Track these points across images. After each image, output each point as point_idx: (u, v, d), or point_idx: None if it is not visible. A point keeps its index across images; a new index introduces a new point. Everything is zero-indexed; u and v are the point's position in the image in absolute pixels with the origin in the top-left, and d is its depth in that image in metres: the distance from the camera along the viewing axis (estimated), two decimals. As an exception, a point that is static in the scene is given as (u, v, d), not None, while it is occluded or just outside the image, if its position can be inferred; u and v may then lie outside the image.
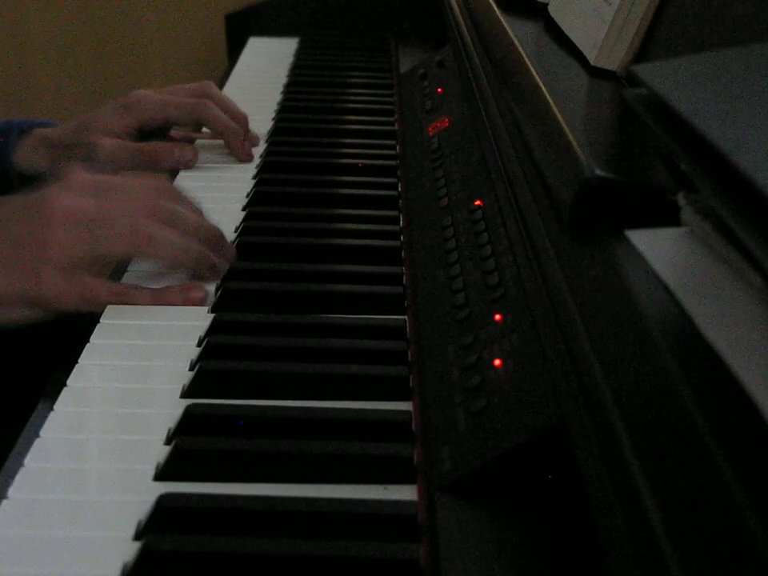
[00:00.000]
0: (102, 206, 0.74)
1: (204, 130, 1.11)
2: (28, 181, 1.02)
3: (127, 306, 0.74)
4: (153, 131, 1.05)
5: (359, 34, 1.57)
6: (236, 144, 1.06)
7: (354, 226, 0.89)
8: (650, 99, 0.45)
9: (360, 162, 1.04)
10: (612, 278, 0.48)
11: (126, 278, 0.79)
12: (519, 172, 0.67)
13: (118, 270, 0.81)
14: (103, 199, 0.75)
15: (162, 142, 1.04)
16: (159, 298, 0.75)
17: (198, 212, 0.81)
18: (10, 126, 1.01)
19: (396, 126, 1.15)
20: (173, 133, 1.09)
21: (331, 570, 0.51)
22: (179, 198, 0.80)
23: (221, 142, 1.07)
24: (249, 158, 1.06)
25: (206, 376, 0.65)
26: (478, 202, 0.78)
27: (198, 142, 1.10)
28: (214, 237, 0.80)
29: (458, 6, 1.16)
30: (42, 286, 0.71)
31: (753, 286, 0.41)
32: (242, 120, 1.07)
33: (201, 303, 0.76)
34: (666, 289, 0.43)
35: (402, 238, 0.86)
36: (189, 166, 1.03)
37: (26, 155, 1.00)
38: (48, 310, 0.73)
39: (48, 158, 1.00)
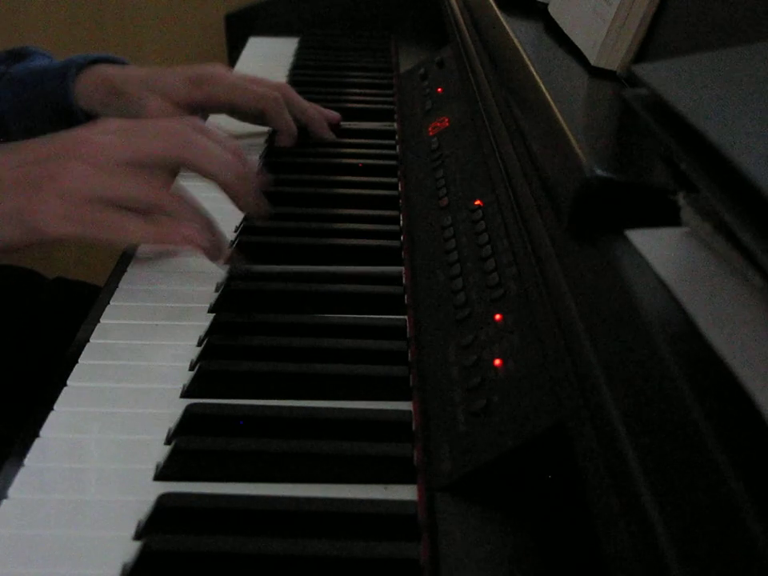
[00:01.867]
0: (127, 142, 0.71)
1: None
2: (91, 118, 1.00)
3: (128, 309, 0.74)
4: (214, 110, 1.04)
5: (359, 34, 1.57)
6: (284, 142, 1.05)
7: (354, 226, 0.89)
8: (650, 99, 0.45)
9: (360, 161, 1.04)
10: (612, 277, 0.48)
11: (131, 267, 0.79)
12: (519, 172, 0.67)
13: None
14: (131, 137, 0.72)
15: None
16: (156, 235, 0.70)
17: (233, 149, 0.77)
18: (69, 64, 0.99)
19: (396, 126, 1.15)
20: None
21: (331, 569, 0.51)
22: (213, 134, 0.76)
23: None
24: (332, 138, 1.07)
25: (206, 376, 0.65)
26: (477, 202, 0.78)
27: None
28: (245, 169, 0.77)
29: (458, 6, 1.16)
30: (39, 206, 0.67)
31: (753, 286, 0.41)
32: (320, 118, 1.08)
33: (194, 241, 0.71)
34: (666, 289, 0.43)
35: (401, 237, 0.86)
36: None
37: (85, 94, 0.98)
38: (39, 236, 0.68)
39: (106, 101, 0.98)
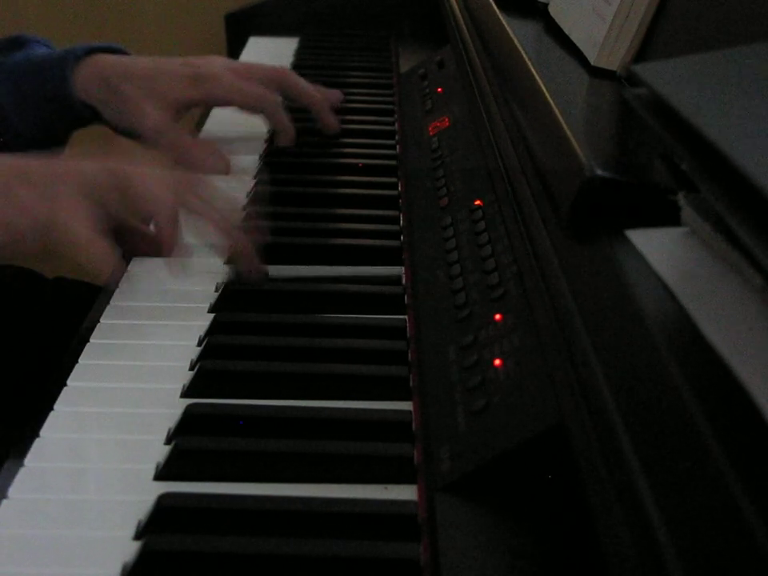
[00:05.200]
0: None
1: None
2: (92, 109, 1.01)
3: (128, 309, 0.74)
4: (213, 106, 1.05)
5: (359, 34, 1.57)
6: (324, 118, 1.06)
7: (354, 226, 0.89)
8: (650, 99, 0.45)
9: (360, 161, 1.04)
10: (612, 277, 0.48)
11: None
12: (519, 172, 0.67)
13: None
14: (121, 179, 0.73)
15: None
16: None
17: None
18: (67, 54, 0.99)
19: (396, 126, 1.15)
20: None
21: (331, 569, 0.51)
22: (206, 189, 0.77)
23: (221, 140, 1.08)
24: (336, 125, 1.07)
25: (206, 376, 0.65)
26: (478, 202, 0.78)
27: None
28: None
29: (458, 6, 1.16)
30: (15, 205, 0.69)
31: (753, 286, 0.41)
32: (323, 100, 1.08)
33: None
34: (666, 288, 0.43)
35: (401, 237, 0.86)
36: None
37: (84, 84, 0.98)
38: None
39: (102, 96, 0.99)
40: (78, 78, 0.98)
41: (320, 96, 1.07)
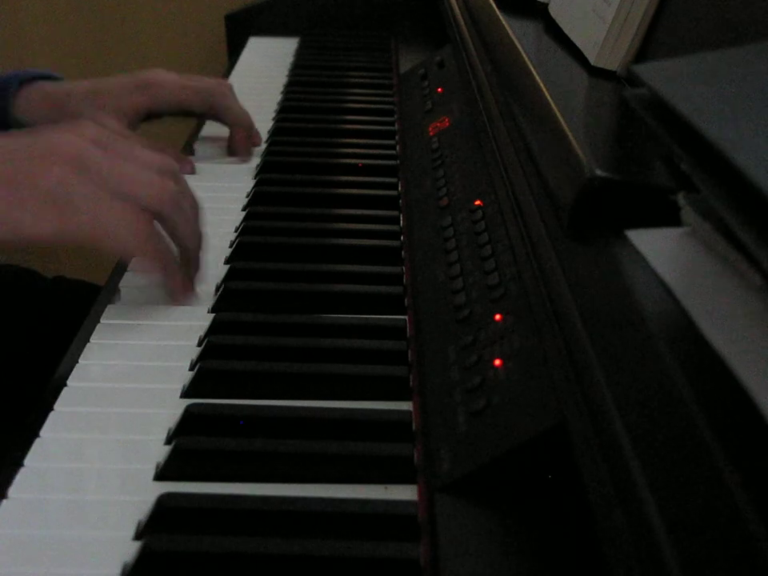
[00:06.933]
0: (110, 163, 0.69)
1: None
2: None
3: (128, 309, 0.74)
4: (161, 113, 1.03)
5: (359, 34, 1.57)
6: (241, 138, 1.05)
7: (354, 226, 0.89)
8: (650, 99, 0.45)
9: (360, 161, 1.04)
10: (612, 277, 0.48)
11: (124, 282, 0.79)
12: (519, 172, 0.67)
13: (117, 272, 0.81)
14: (111, 157, 0.70)
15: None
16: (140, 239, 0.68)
17: (195, 211, 0.77)
18: (10, 78, 0.99)
19: (396, 126, 1.15)
20: None
21: (331, 569, 0.51)
22: (184, 189, 0.76)
23: (222, 140, 1.08)
24: (248, 156, 1.06)
25: (206, 376, 0.65)
26: (477, 202, 0.78)
27: (199, 140, 1.10)
28: (198, 243, 0.77)
29: (458, 6, 1.16)
30: (18, 206, 0.65)
31: (753, 285, 0.41)
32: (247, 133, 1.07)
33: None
34: (666, 288, 0.43)
35: (401, 237, 0.86)
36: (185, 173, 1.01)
37: (27, 107, 0.98)
38: (17, 236, 0.66)
39: (49, 115, 0.98)
40: (21, 102, 0.98)
41: (244, 118, 1.05)
